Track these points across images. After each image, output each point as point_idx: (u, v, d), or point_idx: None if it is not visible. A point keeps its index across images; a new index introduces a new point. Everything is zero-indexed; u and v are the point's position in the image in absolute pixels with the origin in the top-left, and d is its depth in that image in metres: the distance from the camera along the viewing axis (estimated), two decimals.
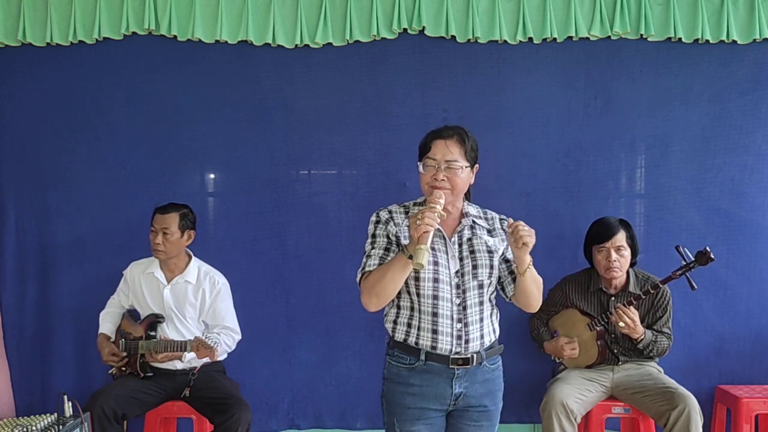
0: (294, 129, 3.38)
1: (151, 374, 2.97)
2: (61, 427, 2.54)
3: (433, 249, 2.00)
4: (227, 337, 3.01)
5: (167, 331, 3.00)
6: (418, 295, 2.03)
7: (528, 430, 3.51)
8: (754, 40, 3.30)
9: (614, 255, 2.94)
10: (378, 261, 2.03)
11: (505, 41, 3.30)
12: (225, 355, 3.09)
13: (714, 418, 3.34)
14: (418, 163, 2.07)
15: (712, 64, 3.34)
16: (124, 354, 2.98)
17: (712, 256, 2.81)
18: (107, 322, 3.10)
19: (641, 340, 2.93)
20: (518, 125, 3.38)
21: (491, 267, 2.06)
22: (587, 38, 3.32)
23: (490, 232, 2.12)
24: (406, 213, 2.10)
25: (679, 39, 3.30)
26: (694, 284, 2.86)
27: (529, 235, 1.95)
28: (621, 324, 2.87)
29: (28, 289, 3.37)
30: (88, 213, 3.36)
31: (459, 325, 2.02)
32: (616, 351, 3.05)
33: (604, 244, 2.97)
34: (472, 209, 2.16)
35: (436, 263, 2.02)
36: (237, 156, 3.39)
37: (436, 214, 1.89)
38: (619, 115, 3.38)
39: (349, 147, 3.40)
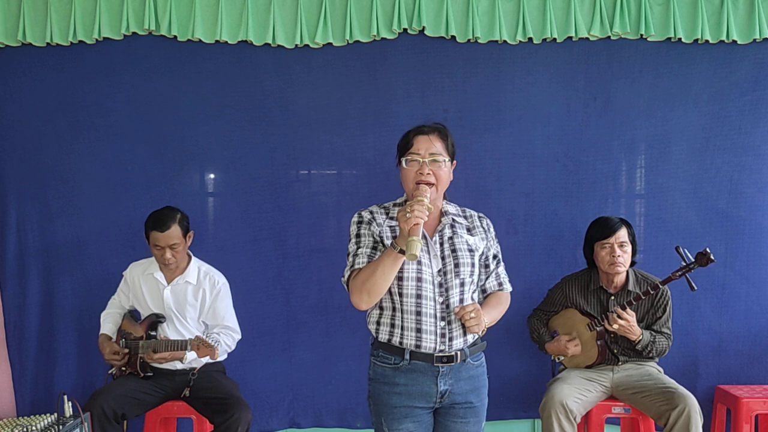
0: (294, 129, 3.38)
1: (151, 374, 2.97)
2: (61, 427, 2.54)
3: None
4: (227, 337, 3.01)
5: (167, 332, 3.00)
6: (401, 294, 2.05)
7: (527, 426, 3.52)
8: (754, 40, 3.31)
9: (618, 251, 2.95)
10: (366, 259, 2.06)
11: (505, 41, 3.31)
12: (225, 355, 3.09)
13: (714, 418, 3.34)
14: (402, 159, 2.09)
15: (712, 64, 3.34)
16: (126, 351, 2.98)
17: (712, 258, 2.81)
18: (108, 323, 3.10)
19: (639, 341, 2.94)
20: (518, 125, 3.38)
21: (472, 265, 2.09)
22: (587, 38, 3.32)
23: (469, 230, 2.15)
24: (387, 214, 2.13)
25: (679, 39, 3.31)
26: (694, 285, 2.86)
27: (476, 324, 2.01)
28: (615, 326, 2.88)
29: (29, 289, 3.37)
30: (89, 213, 3.36)
31: (442, 323, 2.04)
32: (616, 351, 3.05)
33: (607, 239, 2.97)
34: (451, 208, 2.18)
35: (419, 262, 2.04)
36: (237, 156, 3.39)
37: (424, 208, 1.92)
38: (618, 116, 3.38)
39: (349, 147, 3.40)
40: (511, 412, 3.43)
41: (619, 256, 2.95)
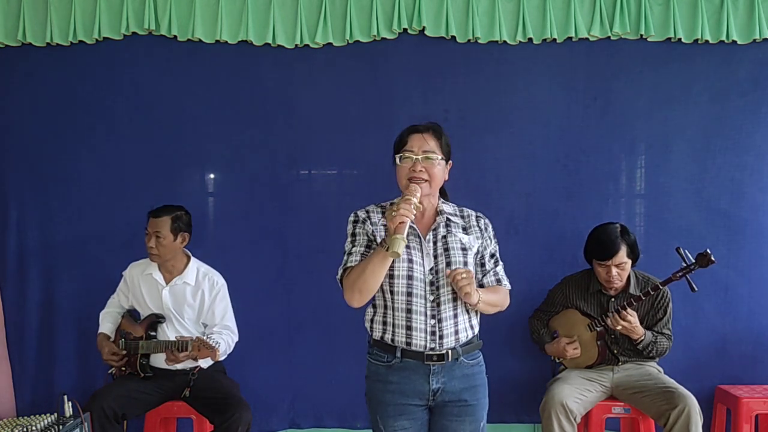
0: (294, 129, 3.38)
1: (150, 374, 2.97)
2: (61, 427, 2.54)
3: (407, 247, 2.04)
4: (227, 337, 3.00)
5: (167, 332, 3.00)
6: (391, 292, 2.06)
7: (528, 429, 3.51)
8: (754, 40, 3.31)
9: (614, 271, 2.93)
10: (359, 258, 2.08)
11: (505, 41, 3.31)
12: (224, 356, 3.08)
13: (714, 418, 3.34)
14: (395, 156, 2.11)
15: (712, 64, 3.34)
16: (124, 353, 2.98)
17: (713, 259, 2.80)
18: (107, 322, 3.10)
19: (641, 340, 2.94)
20: (518, 125, 3.38)
21: (465, 264, 2.08)
22: (587, 38, 3.32)
23: (465, 229, 2.15)
24: (383, 213, 2.14)
25: (679, 39, 3.30)
26: (694, 286, 2.86)
27: (468, 283, 1.98)
28: (618, 327, 2.88)
29: (29, 289, 3.37)
30: (89, 213, 3.36)
31: (432, 321, 2.05)
32: (616, 351, 3.05)
33: (605, 262, 2.95)
34: (447, 207, 2.18)
35: (410, 260, 2.06)
36: (237, 156, 3.39)
37: (412, 206, 1.94)
38: (619, 116, 3.38)
39: (349, 147, 3.40)
40: (514, 415, 3.42)
41: (615, 275, 2.94)
